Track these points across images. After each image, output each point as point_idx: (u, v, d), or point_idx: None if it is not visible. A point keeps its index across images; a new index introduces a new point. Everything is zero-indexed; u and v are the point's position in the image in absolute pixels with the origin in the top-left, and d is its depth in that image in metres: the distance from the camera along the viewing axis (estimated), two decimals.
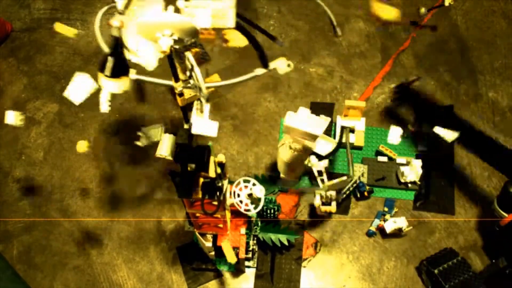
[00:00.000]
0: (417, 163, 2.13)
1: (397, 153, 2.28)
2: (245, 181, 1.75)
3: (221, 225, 1.82)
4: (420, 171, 2.13)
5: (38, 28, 2.66)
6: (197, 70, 1.33)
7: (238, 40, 1.92)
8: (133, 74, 1.44)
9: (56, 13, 2.69)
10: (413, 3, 2.66)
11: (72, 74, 2.65)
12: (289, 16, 2.65)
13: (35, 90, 2.50)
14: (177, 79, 1.34)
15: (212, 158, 1.52)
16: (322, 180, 1.94)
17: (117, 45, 1.18)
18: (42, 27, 2.66)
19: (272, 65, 1.57)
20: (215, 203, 1.59)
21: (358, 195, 2.20)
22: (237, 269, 2.10)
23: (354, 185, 2.15)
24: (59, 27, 2.20)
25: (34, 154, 2.36)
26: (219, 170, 1.50)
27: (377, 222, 2.14)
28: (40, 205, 2.25)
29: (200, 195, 1.51)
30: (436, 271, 2.01)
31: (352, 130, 2.30)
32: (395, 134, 2.30)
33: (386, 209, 2.17)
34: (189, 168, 1.48)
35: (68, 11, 2.69)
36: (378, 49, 2.56)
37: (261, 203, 1.75)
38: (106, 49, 1.44)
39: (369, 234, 2.14)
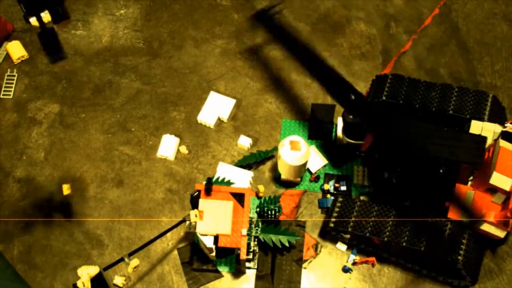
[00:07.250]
0: None
1: None
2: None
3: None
4: None
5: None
6: None
7: None
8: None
9: None
10: (414, 5, 2.67)
11: (72, 74, 2.64)
12: (290, 17, 2.65)
13: (36, 90, 2.50)
14: None
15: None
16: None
17: None
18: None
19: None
20: None
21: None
22: (238, 270, 2.10)
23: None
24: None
25: (35, 154, 2.36)
26: None
27: (352, 257, 2.08)
28: (41, 205, 2.25)
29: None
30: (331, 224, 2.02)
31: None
32: None
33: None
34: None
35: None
36: (379, 51, 2.56)
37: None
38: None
39: (345, 270, 2.07)
